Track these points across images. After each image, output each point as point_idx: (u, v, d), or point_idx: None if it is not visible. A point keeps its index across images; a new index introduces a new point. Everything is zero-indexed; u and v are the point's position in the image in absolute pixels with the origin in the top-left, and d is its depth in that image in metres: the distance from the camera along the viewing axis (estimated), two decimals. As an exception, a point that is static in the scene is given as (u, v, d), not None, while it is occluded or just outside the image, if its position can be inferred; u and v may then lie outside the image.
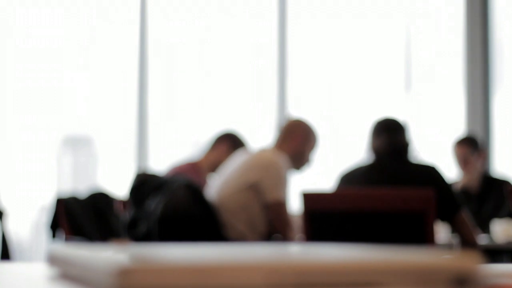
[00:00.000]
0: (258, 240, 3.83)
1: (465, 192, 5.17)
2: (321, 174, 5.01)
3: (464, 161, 5.17)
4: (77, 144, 6.69)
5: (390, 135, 3.61)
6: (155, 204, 3.68)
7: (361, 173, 3.60)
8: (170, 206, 3.65)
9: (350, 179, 3.62)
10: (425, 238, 3.13)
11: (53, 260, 0.73)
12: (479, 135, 6.12)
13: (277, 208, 3.81)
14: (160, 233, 3.63)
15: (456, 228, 3.53)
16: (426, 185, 3.41)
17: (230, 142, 4.48)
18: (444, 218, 3.50)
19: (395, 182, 3.47)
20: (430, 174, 3.49)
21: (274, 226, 3.86)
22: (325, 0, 7.12)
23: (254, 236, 3.82)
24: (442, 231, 4.60)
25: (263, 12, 7.01)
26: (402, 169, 3.54)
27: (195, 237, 3.65)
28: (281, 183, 3.80)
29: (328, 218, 3.24)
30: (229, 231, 3.82)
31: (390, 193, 3.24)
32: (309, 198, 3.27)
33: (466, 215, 3.55)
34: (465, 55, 7.05)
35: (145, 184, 3.78)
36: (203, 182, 4.28)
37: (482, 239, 4.50)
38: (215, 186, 3.95)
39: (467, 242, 3.55)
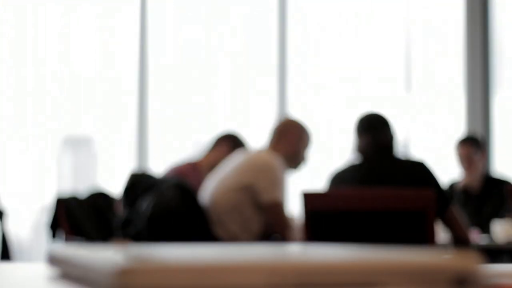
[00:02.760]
0: (251, 240, 3.83)
1: (466, 192, 5.17)
2: (321, 175, 5.01)
3: (468, 161, 5.15)
4: (77, 144, 6.69)
5: (374, 134, 3.62)
6: (146, 204, 3.70)
7: (351, 173, 3.61)
8: (159, 206, 3.67)
9: (340, 180, 3.63)
10: (425, 238, 3.13)
11: (53, 260, 0.73)
12: (479, 135, 6.12)
13: (275, 209, 3.81)
14: (150, 232, 3.65)
15: (447, 224, 3.53)
16: (416, 182, 3.42)
17: (230, 143, 4.49)
18: (436, 214, 3.49)
19: (384, 181, 3.47)
20: (419, 171, 3.49)
21: (273, 227, 3.87)
22: (325, 0, 7.11)
23: (246, 237, 3.82)
24: (442, 231, 4.61)
25: (263, 12, 7.00)
26: (390, 167, 3.54)
27: (185, 236, 3.66)
28: (277, 184, 3.81)
29: (328, 218, 3.24)
30: (221, 230, 3.82)
31: (390, 193, 3.24)
32: (310, 198, 3.27)
33: (456, 211, 3.55)
34: (465, 55, 7.05)
35: (137, 184, 3.80)
36: (202, 183, 4.28)
37: (482, 239, 4.50)
38: (209, 185, 3.96)
39: (458, 238, 3.55)
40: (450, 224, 3.52)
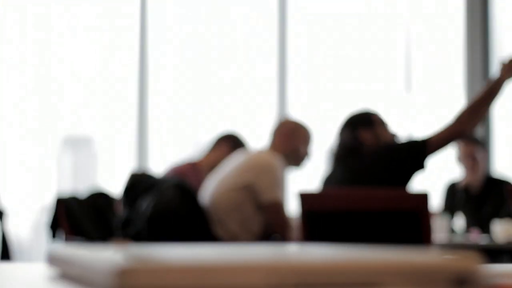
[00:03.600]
0: (251, 240, 3.83)
1: (466, 191, 5.16)
2: (321, 175, 5.03)
3: (471, 161, 5.14)
4: (77, 144, 6.68)
5: (342, 134, 3.73)
6: (146, 204, 3.70)
7: (332, 175, 3.69)
8: (159, 206, 3.67)
9: (330, 181, 3.68)
10: (421, 237, 3.13)
11: (53, 260, 0.73)
12: (479, 135, 6.12)
13: (275, 209, 3.82)
14: (150, 232, 3.65)
15: (443, 143, 3.61)
16: (388, 157, 3.52)
17: (230, 143, 4.49)
18: (429, 153, 3.57)
19: (360, 178, 3.56)
20: (385, 148, 3.60)
21: (273, 227, 3.87)
22: (325, 0, 7.11)
23: (246, 236, 3.83)
24: (439, 231, 4.61)
25: (263, 12, 7.00)
26: (363, 160, 3.62)
27: (185, 236, 3.66)
28: (277, 184, 3.82)
29: (324, 218, 3.24)
30: (221, 230, 3.82)
31: (387, 193, 3.25)
32: (306, 198, 3.28)
33: (431, 134, 3.63)
34: (465, 55, 7.05)
35: (137, 184, 3.81)
36: (202, 183, 4.28)
37: (482, 239, 4.50)
38: (210, 185, 3.96)
39: (454, 133, 3.63)
40: (444, 139, 3.60)
